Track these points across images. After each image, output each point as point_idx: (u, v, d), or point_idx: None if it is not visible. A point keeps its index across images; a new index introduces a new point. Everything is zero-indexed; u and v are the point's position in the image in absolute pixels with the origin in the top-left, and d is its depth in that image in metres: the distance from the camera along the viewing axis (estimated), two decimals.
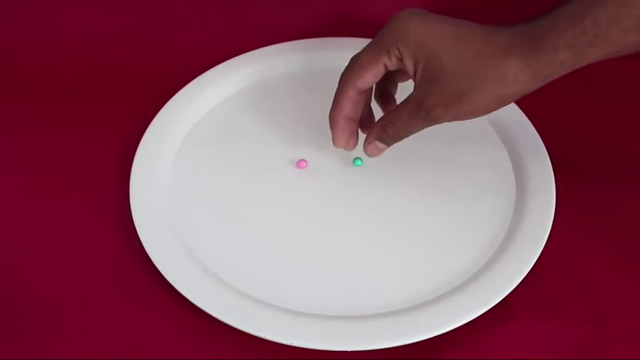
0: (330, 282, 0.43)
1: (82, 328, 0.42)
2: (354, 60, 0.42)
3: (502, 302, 0.41)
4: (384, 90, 0.46)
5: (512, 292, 0.41)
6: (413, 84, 0.41)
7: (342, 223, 0.46)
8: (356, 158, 0.49)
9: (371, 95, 0.46)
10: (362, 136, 0.46)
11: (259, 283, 0.43)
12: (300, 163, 0.49)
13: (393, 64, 0.41)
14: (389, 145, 0.45)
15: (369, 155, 0.46)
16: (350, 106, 0.44)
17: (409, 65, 0.40)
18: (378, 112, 0.47)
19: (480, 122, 0.53)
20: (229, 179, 0.49)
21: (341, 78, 0.43)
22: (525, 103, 0.53)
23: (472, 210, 0.47)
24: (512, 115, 0.52)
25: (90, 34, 0.60)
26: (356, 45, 0.44)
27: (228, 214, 0.47)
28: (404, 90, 0.45)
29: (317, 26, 0.60)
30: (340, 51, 0.52)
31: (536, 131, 0.51)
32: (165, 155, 0.50)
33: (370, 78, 0.42)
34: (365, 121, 0.46)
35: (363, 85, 0.42)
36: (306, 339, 0.39)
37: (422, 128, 0.42)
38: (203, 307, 0.41)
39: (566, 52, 0.35)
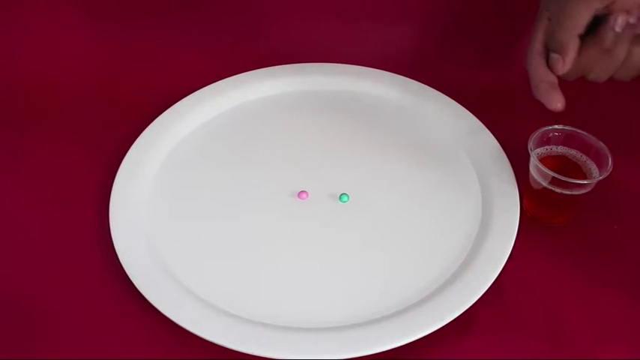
0: (296, 297, 0.45)
1: (58, 337, 0.44)
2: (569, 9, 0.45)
3: (462, 318, 0.42)
4: None
5: (472, 308, 0.43)
6: None
7: (312, 242, 0.48)
8: (342, 194, 0.51)
9: None
10: None
11: (232, 297, 0.44)
12: (301, 195, 0.51)
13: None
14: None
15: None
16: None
17: None
18: None
19: (454, 148, 0.55)
20: (205, 199, 0.51)
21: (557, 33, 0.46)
22: (499, 129, 0.55)
23: (438, 229, 0.49)
24: (484, 138, 0.55)
25: (80, 61, 0.64)
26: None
27: (204, 231, 0.49)
28: None
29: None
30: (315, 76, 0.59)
31: (506, 156, 0.53)
32: (146, 174, 0.53)
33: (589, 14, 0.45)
34: None
35: (583, 24, 0.45)
36: (274, 350, 0.41)
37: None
38: (183, 324, 0.42)
39: None
